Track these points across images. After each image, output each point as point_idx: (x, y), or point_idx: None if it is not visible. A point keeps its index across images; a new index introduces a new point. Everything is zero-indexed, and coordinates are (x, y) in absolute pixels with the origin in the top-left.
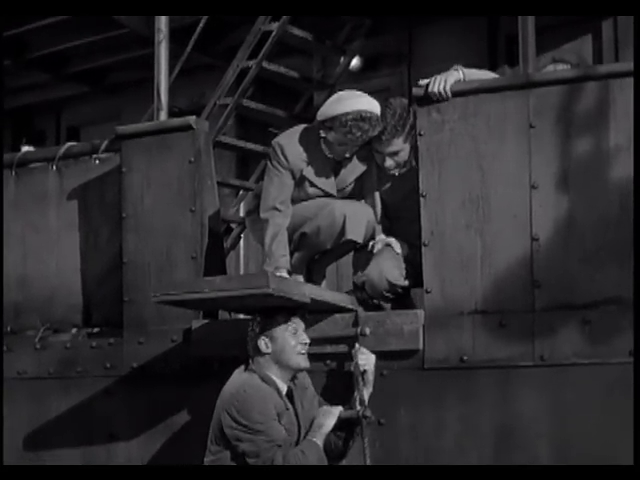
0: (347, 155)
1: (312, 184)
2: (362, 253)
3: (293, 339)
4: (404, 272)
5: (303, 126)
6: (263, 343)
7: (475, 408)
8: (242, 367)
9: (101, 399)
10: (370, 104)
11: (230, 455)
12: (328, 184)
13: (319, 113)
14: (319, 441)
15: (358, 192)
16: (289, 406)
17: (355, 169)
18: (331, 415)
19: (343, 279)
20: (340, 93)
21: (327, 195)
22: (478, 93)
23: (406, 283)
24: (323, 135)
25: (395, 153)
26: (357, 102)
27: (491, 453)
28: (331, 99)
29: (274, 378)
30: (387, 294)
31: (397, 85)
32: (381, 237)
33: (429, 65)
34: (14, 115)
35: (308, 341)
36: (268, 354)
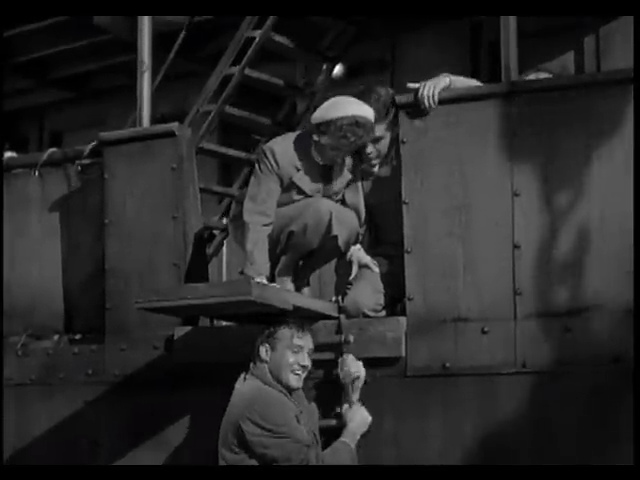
0: (338, 161)
1: (300, 191)
2: (343, 261)
3: (292, 357)
4: (382, 295)
5: (294, 133)
6: (264, 350)
7: (457, 415)
8: (242, 376)
9: (83, 406)
10: (365, 111)
11: (257, 463)
12: (315, 191)
13: (314, 116)
14: (352, 444)
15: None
16: (301, 409)
17: (343, 179)
18: (365, 422)
19: (326, 286)
20: (336, 98)
21: None
22: (461, 101)
23: (383, 312)
24: (316, 139)
25: (376, 140)
26: (353, 108)
27: (474, 460)
28: (327, 103)
29: (275, 383)
30: (367, 315)
31: (377, 85)
32: (356, 253)
33: (412, 72)
34: None
35: (307, 364)
36: (266, 362)
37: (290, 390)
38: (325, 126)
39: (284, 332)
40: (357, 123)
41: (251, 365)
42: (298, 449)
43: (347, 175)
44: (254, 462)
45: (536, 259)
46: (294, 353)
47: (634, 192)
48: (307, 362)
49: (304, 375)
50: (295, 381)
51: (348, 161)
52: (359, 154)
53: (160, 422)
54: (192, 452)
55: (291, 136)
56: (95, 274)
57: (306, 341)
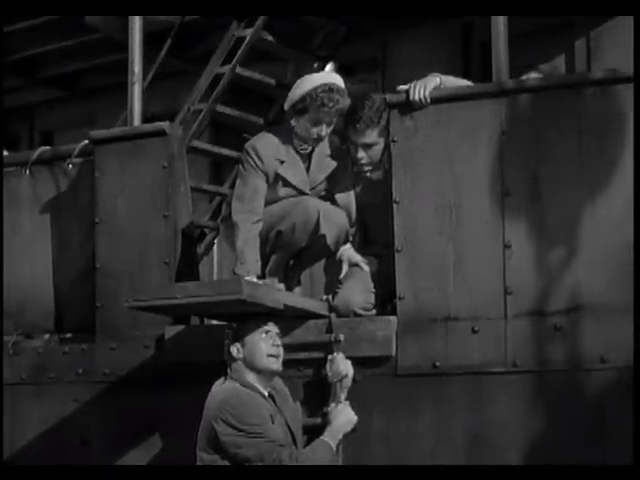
0: (322, 134)
1: (286, 183)
2: (333, 260)
3: (264, 343)
4: (372, 294)
5: (273, 128)
6: (235, 349)
7: (448, 414)
8: (222, 379)
9: (73, 405)
10: (334, 77)
11: (230, 463)
12: (301, 182)
13: (287, 102)
14: (332, 442)
15: (330, 192)
16: (278, 410)
17: (326, 167)
18: (350, 422)
19: (316, 285)
20: (301, 78)
21: (300, 193)
22: (451, 100)
23: (373, 311)
24: (295, 124)
25: (369, 145)
26: (321, 77)
27: (464, 459)
28: (294, 86)
29: (253, 384)
30: (358, 314)
31: (371, 92)
32: (346, 252)
33: (403, 72)
34: None
35: (279, 343)
36: (240, 359)
37: (272, 376)
38: (301, 102)
39: (248, 325)
40: (330, 89)
41: (228, 371)
42: (271, 448)
43: (332, 163)
44: (227, 463)
45: (526, 258)
46: (264, 339)
47: (634, 192)
48: (279, 342)
49: (281, 357)
50: (274, 364)
51: (328, 149)
52: (346, 141)
53: (151, 421)
54: (183, 451)
55: (271, 131)
56: (85, 273)
57: (271, 326)
